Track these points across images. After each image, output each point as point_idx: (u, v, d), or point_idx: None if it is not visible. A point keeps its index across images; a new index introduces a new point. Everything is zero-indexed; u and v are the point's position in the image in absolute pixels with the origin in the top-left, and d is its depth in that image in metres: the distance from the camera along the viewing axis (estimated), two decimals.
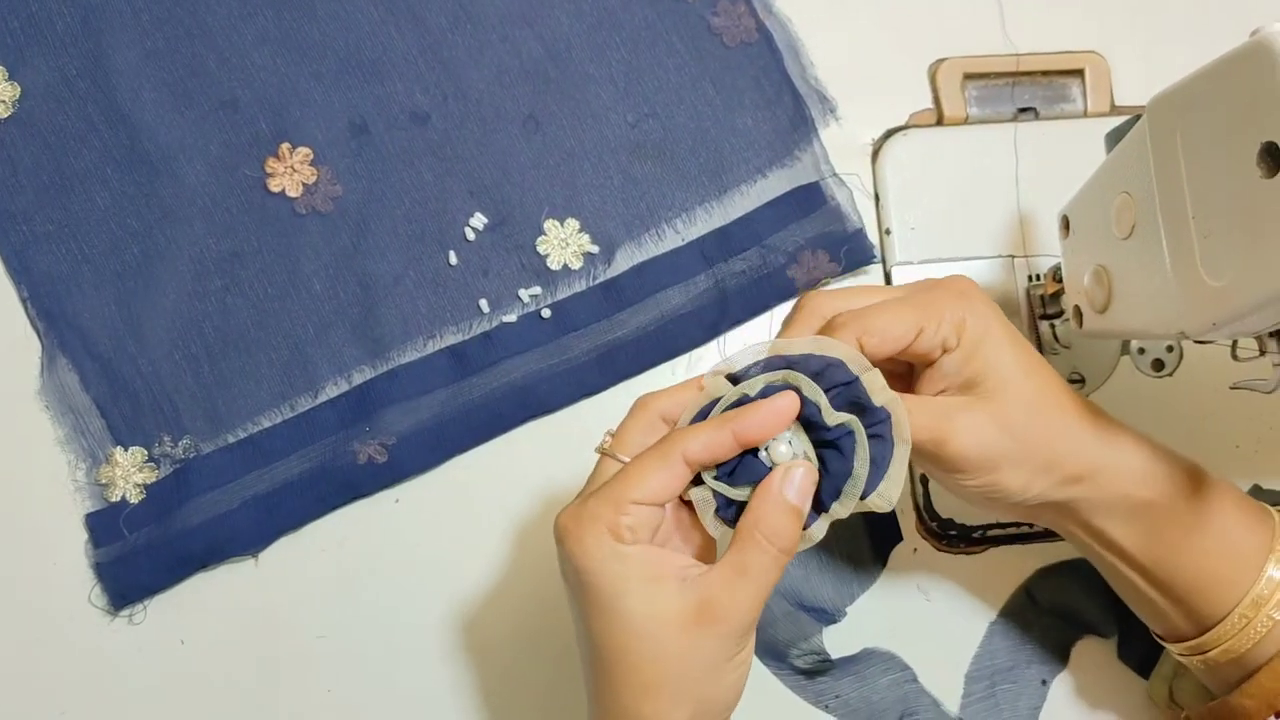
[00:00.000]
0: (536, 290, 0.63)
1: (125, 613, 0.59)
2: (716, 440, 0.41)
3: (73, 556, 0.59)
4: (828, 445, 0.42)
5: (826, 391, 0.42)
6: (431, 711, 0.59)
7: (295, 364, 0.61)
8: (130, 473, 0.60)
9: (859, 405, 0.43)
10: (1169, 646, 0.52)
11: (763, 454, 0.42)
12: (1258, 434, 0.62)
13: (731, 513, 0.43)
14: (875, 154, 0.66)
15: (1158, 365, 0.62)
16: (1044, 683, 0.60)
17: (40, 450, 0.60)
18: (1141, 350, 0.62)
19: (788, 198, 0.64)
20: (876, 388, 0.43)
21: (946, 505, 0.61)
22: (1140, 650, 0.59)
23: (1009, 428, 0.46)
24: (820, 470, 0.43)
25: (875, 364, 0.44)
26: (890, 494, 0.43)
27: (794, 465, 0.42)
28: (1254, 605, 0.47)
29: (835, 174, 0.65)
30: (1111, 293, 0.48)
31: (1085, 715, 0.60)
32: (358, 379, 0.61)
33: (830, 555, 0.60)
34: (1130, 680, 0.60)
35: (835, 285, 0.63)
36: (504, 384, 0.61)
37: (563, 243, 0.63)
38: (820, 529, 0.43)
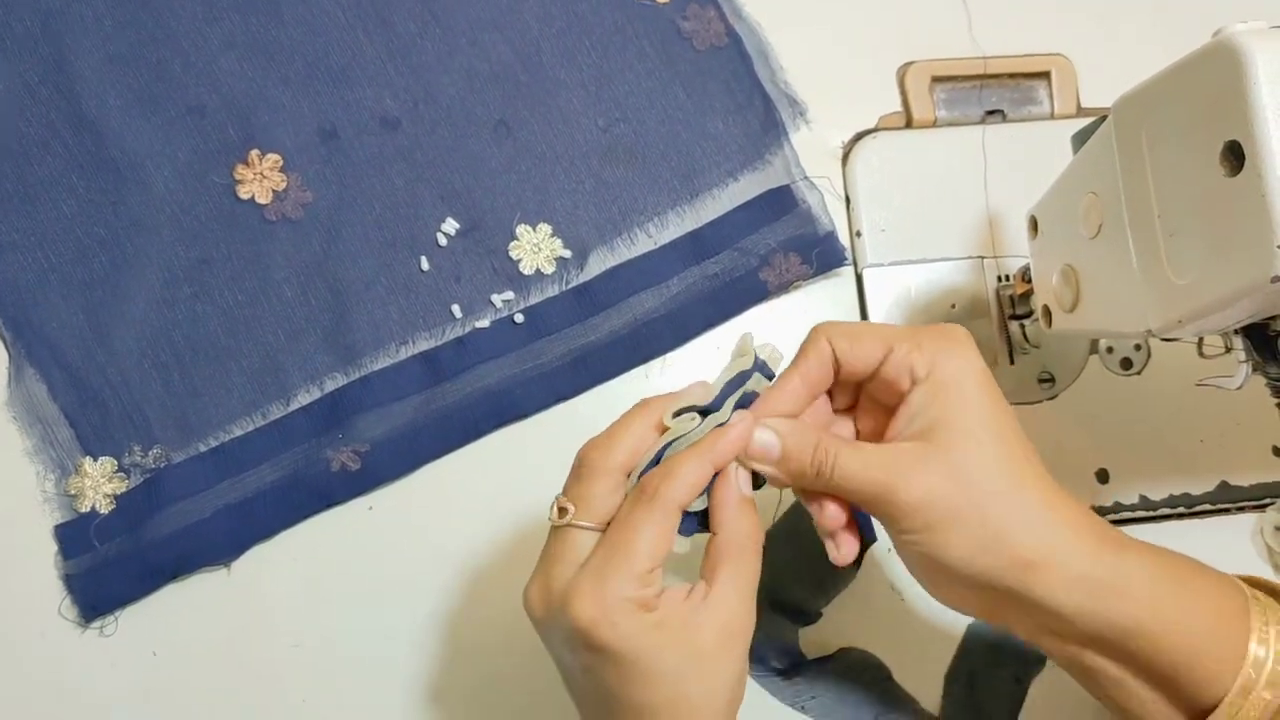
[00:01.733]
0: (509, 295, 0.63)
1: (96, 624, 0.58)
2: (701, 478, 0.43)
3: (42, 568, 0.58)
4: None
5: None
6: (408, 718, 0.58)
7: (267, 371, 0.61)
8: (100, 483, 0.59)
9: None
10: None
11: None
12: (1224, 430, 0.63)
13: (691, 524, 0.45)
14: (845, 157, 0.66)
15: (1126, 364, 0.63)
16: (1020, 682, 0.60)
17: (8, 461, 0.59)
18: (1110, 349, 0.63)
19: (759, 201, 0.64)
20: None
21: None
22: None
23: (963, 483, 0.42)
24: None
25: (847, 379, 0.46)
26: None
27: (737, 465, 0.45)
28: (1242, 693, 0.42)
29: (806, 177, 0.65)
30: (1079, 292, 0.49)
31: (1064, 716, 0.60)
32: (330, 386, 0.61)
33: (805, 556, 0.60)
34: None
35: (808, 287, 0.64)
36: (477, 389, 0.61)
37: (535, 247, 0.63)
38: None
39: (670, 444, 0.44)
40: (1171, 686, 0.43)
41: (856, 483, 0.43)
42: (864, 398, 0.47)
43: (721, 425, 0.44)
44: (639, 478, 0.44)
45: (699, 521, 0.45)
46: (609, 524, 0.43)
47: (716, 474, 0.44)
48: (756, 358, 0.46)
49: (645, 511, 0.42)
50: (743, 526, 0.44)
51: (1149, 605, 0.42)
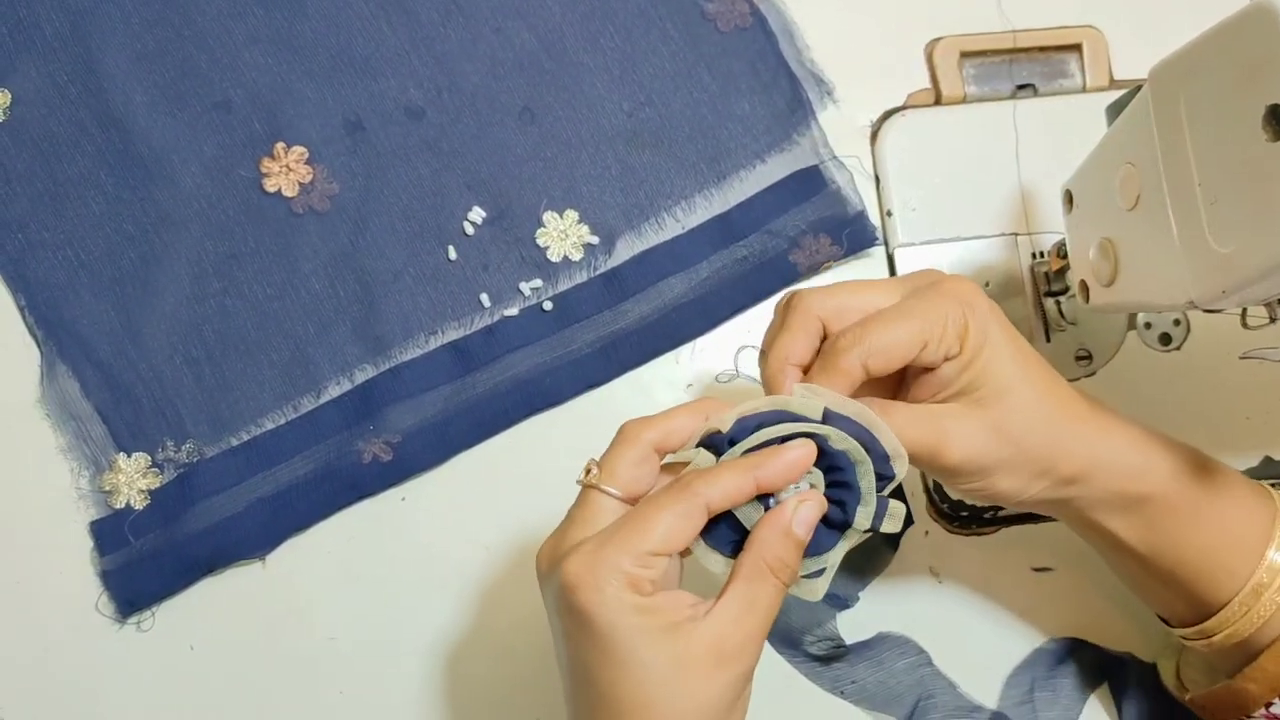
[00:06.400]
0: (537, 283, 0.62)
1: (133, 620, 0.59)
2: (738, 489, 0.41)
3: (78, 565, 0.59)
4: (836, 486, 0.43)
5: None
6: (445, 709, 0.58)
7: (297, 364, 0.61)
8: (134, 479, 0.59)
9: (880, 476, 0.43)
10: (1173, 631, 0.52)
11: None
12: (1268, 405, 0.61)
13: (725, 543, 0.43)
14: (874, 135, 0.65)
15: (1165, 339, 0.62)
16: (1082, 695, 0.59)
17: (42, 459, 0.60)
18: (1148, 325, 0.62)
19: (788, 182, 0.64)
20: (902, 471, 0.43)
21: None
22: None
23: (1006, 436, 0.45)
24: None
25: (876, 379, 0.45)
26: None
27: (805, 498, 0.42)
28: (1254, 593, 0.47)
29: (835, 157, 0.64)
30: (1118, 265, 0.48)
31: None
32: (360, 378, 0.61)
33: None
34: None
35: (838, 268, 0.63)
36: (508, 378, 0.61)
37: (562, 234, 0.63)
38: (827, 575, 0.44)
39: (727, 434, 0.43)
40: (1187, 581, 0.48)
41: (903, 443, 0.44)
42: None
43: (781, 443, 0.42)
44: (698, 448, 0.43)
45: (733, 547, 0.43)
46: (635, 498, 0.43)
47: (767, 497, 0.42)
48: (833, 416, 0.43)
49: (670, 497, 0.41)
50: (773, 552, 0.41)
51: (1174, 506, 0.47)
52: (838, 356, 0.44)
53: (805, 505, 0.42)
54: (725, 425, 0.43)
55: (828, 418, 0.43)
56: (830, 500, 0.43)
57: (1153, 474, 0.47)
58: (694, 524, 0.40)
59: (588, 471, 0.43)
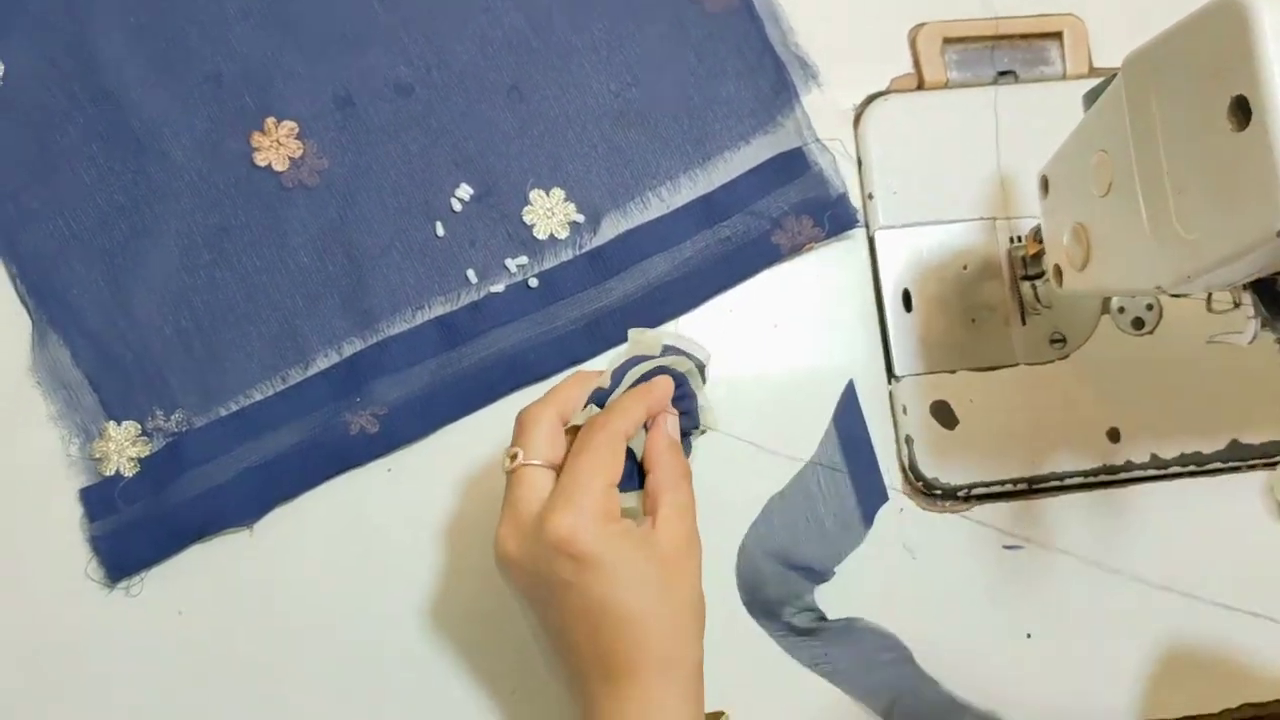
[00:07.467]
0: (523, 260, 0.63)
1: (122, 585, 0.59)
2: (639, 415, 0.51)
3: (68, 531, 0.60)
4: (679, 399, 0.55)
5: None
6: (429, 677, 0.59)
7: (285, 336, 0.62)
8: (124, 447, 0.60)
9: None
10: None
11: None
12: (1237, 387, 0.63)
13: (633, 482, 0.51)
14: (857, 119, 0.66)
15: (1138, 323, 0.63)
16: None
17: (33, 427, 0.61)
18: (1121, 309, 0.63)
19: (771, 164, 0.65)
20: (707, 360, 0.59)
21: (930, 464, 0.62)
22: None
23: None
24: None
25: None
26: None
27: (668, 412, 0.54)
28: None
29: (818, 139, 0.65)
30: (1090, 250, 0.49)
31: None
32: (348, 350, 0.62)
33: (817, 516, 0.61)
34: None
35: (820, 249, 0.64)
36: (493, 353, 0.62)
37: (548, 212, 0.64)
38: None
39: (603, 392, 0.53)
40: None
41: None
42: None
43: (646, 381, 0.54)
44: (585, 414, 0.51)
45: (638, 479, 0.52)
46: (559, 466, 0.49)
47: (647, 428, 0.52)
48: (665, 348, 0.57)
49: (597, 438, 0.49)
50: (673, 463, 0.51)
51: None
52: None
53: (670, 418, 0.53)
54: (605, 381, 0.53)
55: (664, 351, 0.56)
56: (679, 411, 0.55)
57: None
58: (621, 453, 0.49)
59: (512, 458, 0.50)
